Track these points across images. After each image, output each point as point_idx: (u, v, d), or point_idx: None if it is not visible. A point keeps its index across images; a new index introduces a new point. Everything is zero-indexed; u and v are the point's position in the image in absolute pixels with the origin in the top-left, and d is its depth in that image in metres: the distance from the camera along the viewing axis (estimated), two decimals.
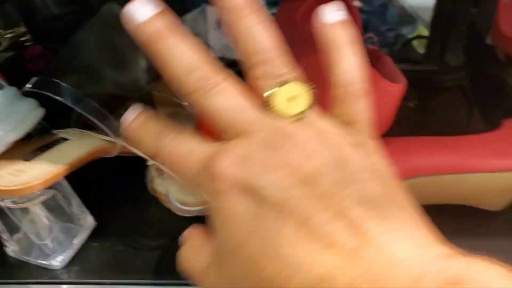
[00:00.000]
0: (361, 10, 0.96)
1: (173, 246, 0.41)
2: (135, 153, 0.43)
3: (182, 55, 0.22)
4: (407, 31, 1.00)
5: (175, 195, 0.42)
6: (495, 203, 0.45)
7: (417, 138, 0.43)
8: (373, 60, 0.45)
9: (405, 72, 0.59)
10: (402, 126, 0.46)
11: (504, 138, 0.43)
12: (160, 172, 0.43)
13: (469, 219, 0.45)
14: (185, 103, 0.49)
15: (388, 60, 0.43)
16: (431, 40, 0.72)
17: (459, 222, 0.45)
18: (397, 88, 0.38)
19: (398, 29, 0.99)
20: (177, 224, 0.44)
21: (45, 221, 0.38)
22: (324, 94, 0.41)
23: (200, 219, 0.43)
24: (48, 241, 0.39)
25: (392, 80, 0.39)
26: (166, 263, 0.40)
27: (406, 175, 0.41)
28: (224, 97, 0.22)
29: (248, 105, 0.22)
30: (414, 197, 0.41)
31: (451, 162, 0.41)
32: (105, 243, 0.41)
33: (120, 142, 0.42)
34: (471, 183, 0.41)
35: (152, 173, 0.44)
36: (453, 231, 0.43)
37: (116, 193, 0.47)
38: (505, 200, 0.45)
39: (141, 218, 0.45)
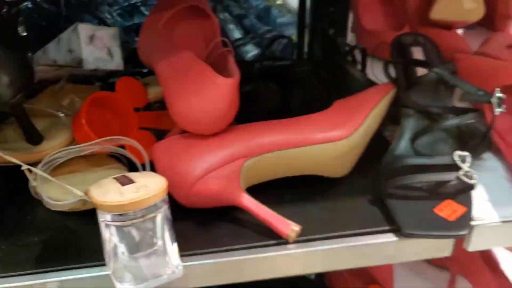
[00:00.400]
0: (243, 15, 1.04)
1: (53, 239, 0.47)
2: (11, 162, 0.48)
3: None
4: (289, 32, 1.09)
5: (48, 194, 0.47)
6: (336, 171, 0.54)
7: (261, 122, 0.51)
8: (221, 59, 0.52)
9: (268, 68, 0.68)
10: (269, 115, 0.53)
11: (331, 115, 0.51)
12: (34, 175, 0.48)
13: (318, 185, 0.53)
14: (61, 114, 0.54)
15: (231, 59, 0.50)
16: (298, 38, 0.81)
17: (311, 188, 0.53)
18: (229, 81, 0.45)
19: (281, 30, 1.08)
20: (56, 220, 0.49)
21: None
22: (174, 98, 0.47)
23: (75, 214, 0.48)
24: None
25: (230, 75, 0.46)
26: (48, 254, 0.45)
27: (256, 152, 0.48)
28: None
29: None
30: (269, 171, 0.49)
31: (289, 138, 0.49)
32: None
33: None
34: (308, 155, 0.49)
35: (29, 177, 0.49)
36: (307, 196, 0.51)
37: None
38: (343, 168, 0.54)
39: (24, 218, 0.49)
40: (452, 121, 0.49)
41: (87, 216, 0.48)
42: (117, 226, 0.38)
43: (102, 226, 0.39)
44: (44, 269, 0.43)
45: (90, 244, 0.45)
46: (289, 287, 0.84)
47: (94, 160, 0.55)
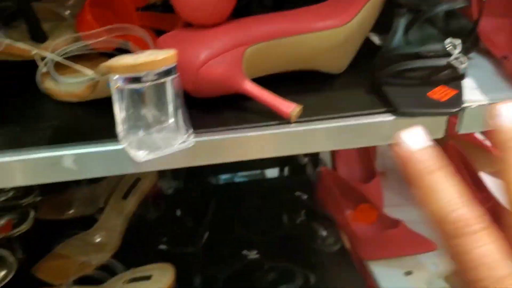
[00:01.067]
0: None
1: (65, 124, 0.48)
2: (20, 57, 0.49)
3: (446, 191, 0.24)
4: None
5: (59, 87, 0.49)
6: (333, 64, 0.56)
7: (262, 14, 0.53)
8: None
9: None
10: None
11: (329, 6, 0.53)
12: (46, 73, 0.49)
13: (317, 80, 0.56)
14: (67, 13, 0.55)
15: None
16: None
17: (309, 83, 0.55)
18: None
19: None
20: (66, 110, 0.51)
21: None
22: None
23: (83, 105, 0.50)
24: None
25: None
26: (61, 135, 0.47)
27: (256, 40, 0.50)
28: (481, 246, 0.23)
29: (501, 263, 0.23)
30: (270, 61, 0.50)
31: (288, 26, 0.51)
32: (3, 128, 0.47)
33: (5, 41, 0.48)
34: (306, 43, 0.51)
35: (39, 72, 0.50)
36: (305, 89, 0.53)
37: (9, 93, 0.53)
38: (340, 61, 0.56)
39: (34, 110, 0.51)
40: (441, 7, 0.52)
41: (95, 106, 0.50)
42: (130, 91, 0.40)
43: (116, 94, 0.41)
44: (60, 144, 0.44)
45: (102, 127, 0.47)
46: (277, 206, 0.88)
47: (99, 62, 0.56)
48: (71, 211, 0.91)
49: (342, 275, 0.81)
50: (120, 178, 0.91)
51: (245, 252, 0.79)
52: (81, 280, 0.76)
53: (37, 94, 0.53)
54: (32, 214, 0.82)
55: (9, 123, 0.48)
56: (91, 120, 0.49)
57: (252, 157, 0.48)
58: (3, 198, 0.84)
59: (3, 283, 0.73)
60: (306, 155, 1.08)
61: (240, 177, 1.08)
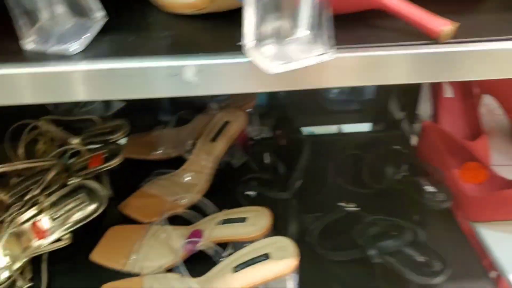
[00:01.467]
0: None
1: (183, 34, 0.44)
2: None
3: None
4: None
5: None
6: None
7: None
8: None
9: None
10: None
11: None
12: None
13: (464, 3, 0.48)
14: None
15: None
16: None
17: (455, 5, 0.48)
18: None
19: None
20: (180, 21, 0.46)
21: (60, 9, 0.40)
22: None
23: (197, 17, 0.45)
24: (64, 30, 0.40)
25: None
26: (181, 44, 0.42)
27: None
28: None
29: None
30: None
31: None
32: (116, 36, 0.43)
33: None
34: None
35: None
36: (450, 13, 0.45)
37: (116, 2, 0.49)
38: None
39: (145, 20, 0.47)
40: None
41: (211, 20, 0.45)
42: None
43: None
44: (180, 54, 0.40)
45: (223, 39, 0.42)
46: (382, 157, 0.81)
47: None
48: (158, 152, 0.89)
49: (446, 235, 0.74)
50: (207, 121, 0.87)
51: (342, 203, 0.74)
52: (170, 220, 0.73)
53: (146, 7, 0.48)
54: (122, 150, 0.80)
55: (120, 31, 0.44)
56: (209, 32, 0.45)
57: (394, 82, 0.42)
58: (94, 133, 0.83)
59: (94, 216, 0.72)
60: (403, 109, 1.00)
61: (330, 129, 1.02)
